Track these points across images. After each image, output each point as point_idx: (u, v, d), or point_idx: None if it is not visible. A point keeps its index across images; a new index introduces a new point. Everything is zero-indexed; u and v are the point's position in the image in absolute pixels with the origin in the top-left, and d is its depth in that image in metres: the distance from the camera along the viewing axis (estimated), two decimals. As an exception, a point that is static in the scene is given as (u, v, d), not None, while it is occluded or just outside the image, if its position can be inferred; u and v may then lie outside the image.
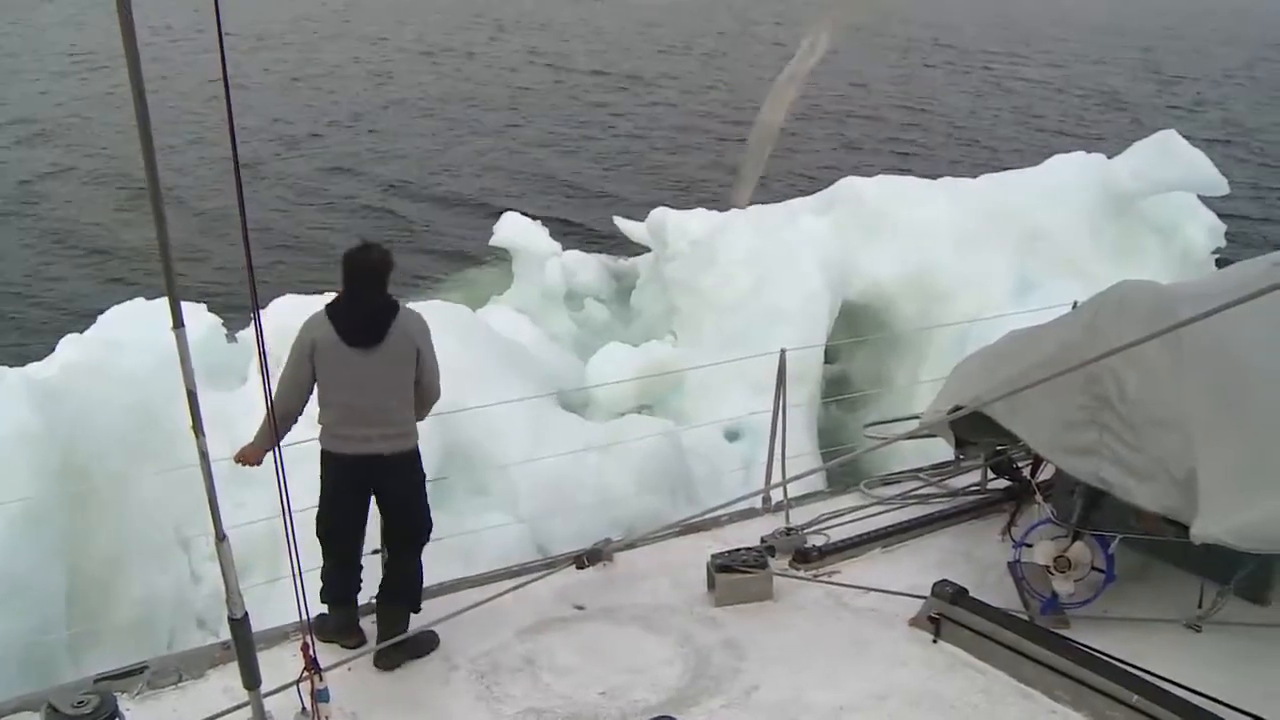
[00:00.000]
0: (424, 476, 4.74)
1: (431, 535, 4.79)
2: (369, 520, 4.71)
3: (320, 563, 4.59)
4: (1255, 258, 6.09)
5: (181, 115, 26.41)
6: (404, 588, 4.69)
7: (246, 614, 3.45)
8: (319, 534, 4.61)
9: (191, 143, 24.10)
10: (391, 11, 50.87)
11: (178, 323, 3.04)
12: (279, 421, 4.27)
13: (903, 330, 11.67)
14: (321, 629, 4.59)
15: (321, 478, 4.58)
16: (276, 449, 3.81)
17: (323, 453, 4.55)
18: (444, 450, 8.10)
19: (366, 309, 4.49)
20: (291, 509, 3.61)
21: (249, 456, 4.53)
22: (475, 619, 4.75)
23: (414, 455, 4.64)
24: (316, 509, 4.60)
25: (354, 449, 4.49)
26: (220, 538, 3.33)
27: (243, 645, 3.50)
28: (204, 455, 3.24)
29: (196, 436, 3.23)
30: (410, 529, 4.72)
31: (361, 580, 4.78)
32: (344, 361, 4.46)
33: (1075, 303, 5.66)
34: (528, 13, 53.66)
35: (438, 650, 4.66)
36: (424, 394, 4.62)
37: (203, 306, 9.66)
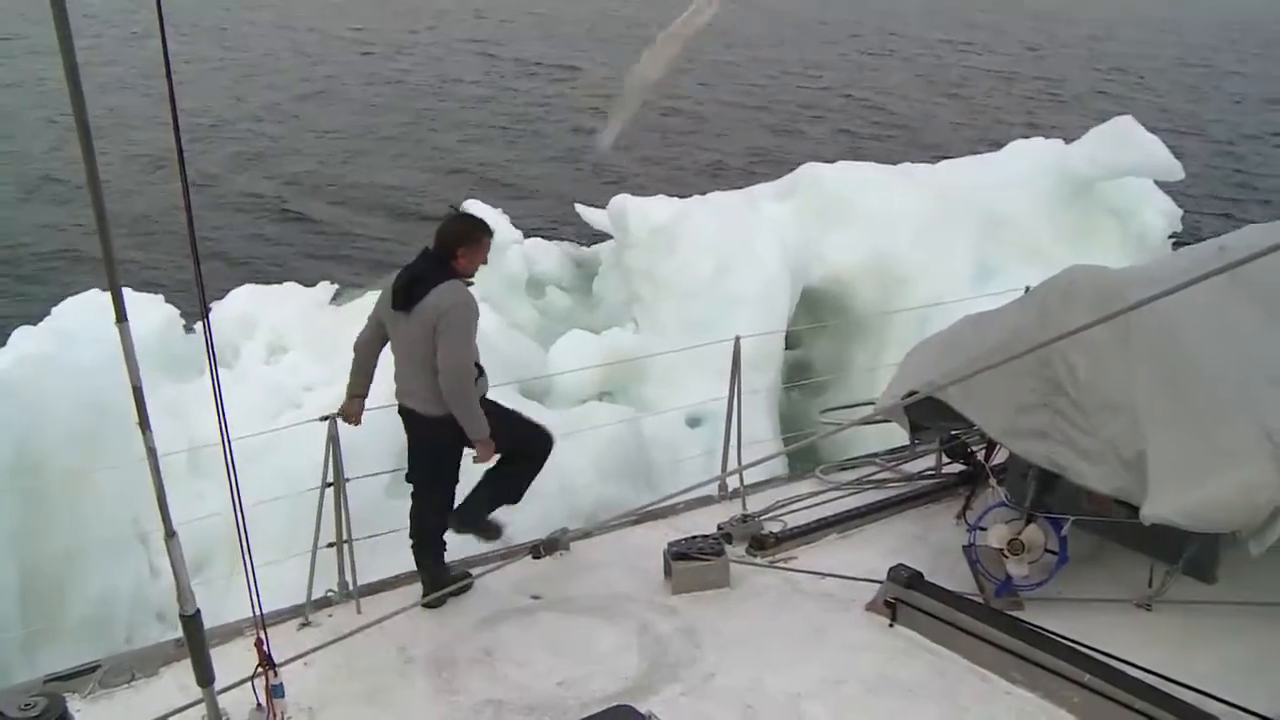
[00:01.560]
0: (449, 448, 4.90)
1: (452, 515, 5.03)
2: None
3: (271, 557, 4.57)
4: (1203, 242, 6.19)
5: (123, 105, 26.02)
6: (417, 533, 4.95)
7: (199, 611, 3.41)
8: None
9: (137, 133, 23.69)
10: (332, 4, 50.30)
11: (120, 317, 2.98)
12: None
13: (863, 315, 11.73)
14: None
15: None
16: (226, 443, 3.75)
17: None
18: (403, 440, 8.06)
19: (408, 276, 4.76)
20: (242, 503, 3.57)
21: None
22: (432, 611, 4.74)
23: (438, 421, 4.78)
24: None
25: (400, 398, 4.91)
26: (170, 534, 3.28)
27: (195, 642, 3.46)
28: (151, 451, 3.19)
29: (143, 432, 3.18)
30: (420, 485, 5.02)
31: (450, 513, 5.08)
32: (390, 319, 4.84)
33: (1027, 288, 5.71)
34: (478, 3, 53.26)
35: (394, 643, 4.63)
36: (441, 373, 4.66)
37: (159, 298, 9.56)
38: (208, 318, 3.49)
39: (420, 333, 4.65)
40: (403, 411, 4.92)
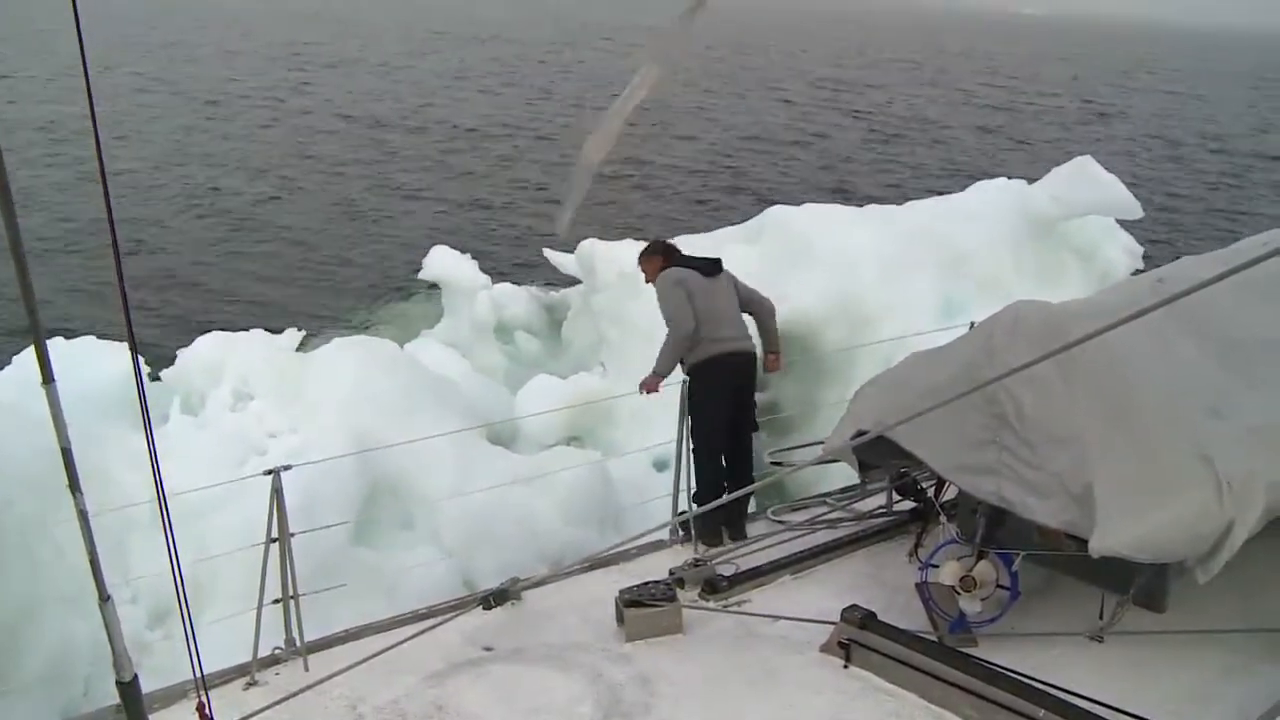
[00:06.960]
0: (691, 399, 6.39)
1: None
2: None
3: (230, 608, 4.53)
4: (1140, 274, 6.26)
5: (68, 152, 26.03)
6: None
7: (136, 677, 3.35)
8: None
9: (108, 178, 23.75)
10: (299, 46, 50.60)
11: (47, 378, 2.92)
12: None
13: (829, 354, 11.75)
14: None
15: None
16: (161, 500, 3.69)
17: None
18: (371, 484, 8.03)
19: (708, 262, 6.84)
20: (180, 561, 3.52)
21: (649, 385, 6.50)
22: (382, 665, 4.66)
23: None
24: None
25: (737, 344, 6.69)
26: (104, 599, 3.23)
27: (134, 710, 3.39)
28: (83, 514, 3.15)
29: (73, 494, 3.13)
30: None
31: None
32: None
33: (972, 323, 5.75)
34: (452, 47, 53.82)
35: (343, 701, 4.55)
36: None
37: (123, 345, 9.49)
38: (141, 381, 3.45)
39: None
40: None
